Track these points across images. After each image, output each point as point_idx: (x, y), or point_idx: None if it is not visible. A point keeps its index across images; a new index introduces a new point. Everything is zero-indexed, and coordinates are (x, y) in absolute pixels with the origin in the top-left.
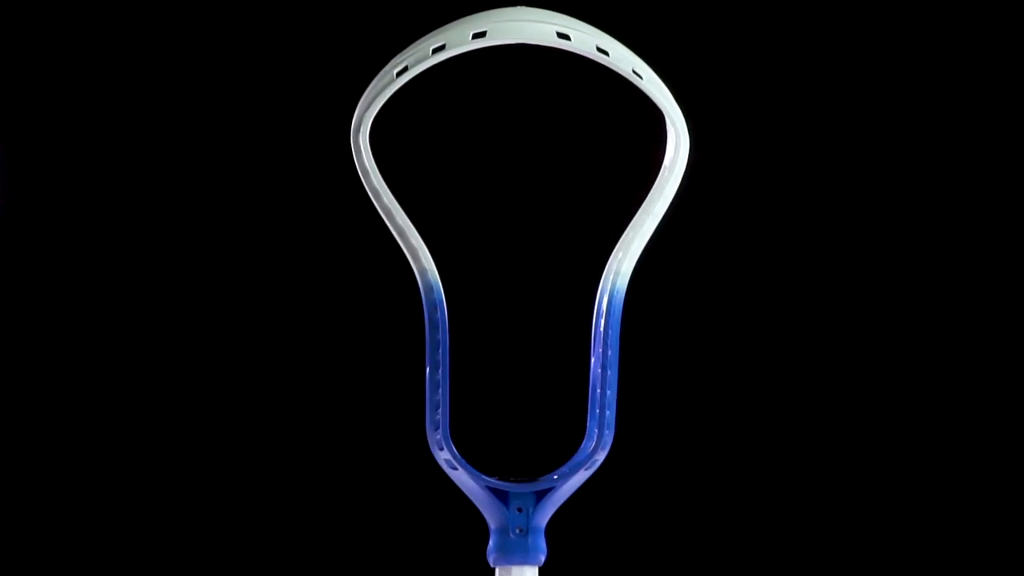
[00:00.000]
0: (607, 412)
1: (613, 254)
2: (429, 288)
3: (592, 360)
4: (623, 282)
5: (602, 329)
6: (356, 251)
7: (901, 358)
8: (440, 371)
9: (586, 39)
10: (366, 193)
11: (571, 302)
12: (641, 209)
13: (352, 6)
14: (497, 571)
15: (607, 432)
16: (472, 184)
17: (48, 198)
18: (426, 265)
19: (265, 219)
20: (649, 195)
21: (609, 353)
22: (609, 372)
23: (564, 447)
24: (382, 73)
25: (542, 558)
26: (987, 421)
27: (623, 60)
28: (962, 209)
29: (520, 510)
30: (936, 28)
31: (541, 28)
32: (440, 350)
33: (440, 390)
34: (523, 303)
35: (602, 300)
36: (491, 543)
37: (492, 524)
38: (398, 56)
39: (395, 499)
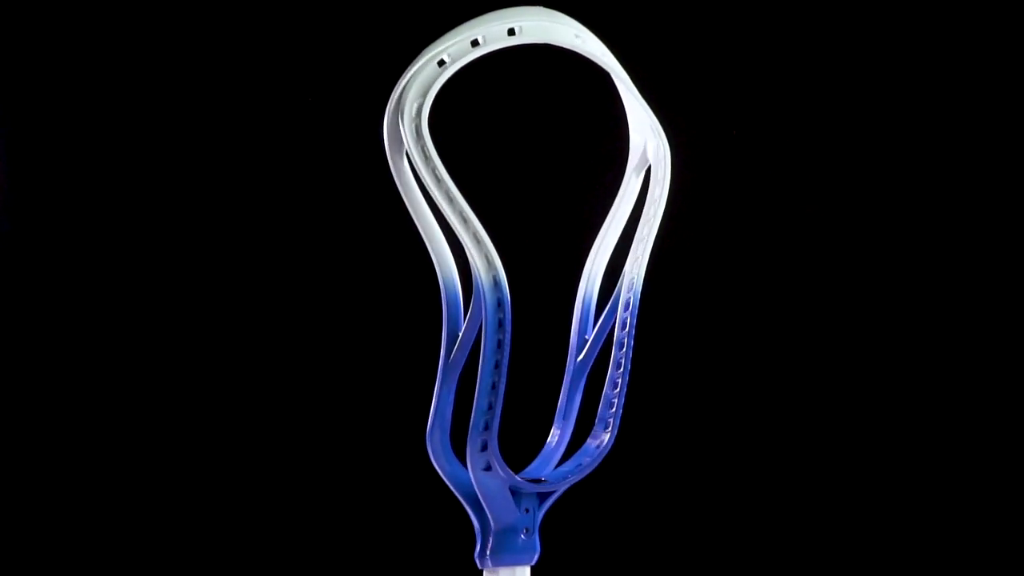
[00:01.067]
0: (619, 412)
1: (593, 254)
2: (495, 285)
3: (574, 360)
4: (640, 283)
5: (624, 331)
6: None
7: (892, 355)
8: (499, 371)
9: (594, 46)
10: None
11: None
12: (619, 210)
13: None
14: (501, 573)
15: (614, 433)
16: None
17: (66, 202)
18: (493, 259)
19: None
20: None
21: (629, 355)
22: (626, 374)
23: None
24: (423, 61)
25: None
26: (987, 424)
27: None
28: (959, 208)
29: (527, 511)
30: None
31: (564, 31)
32: (503, 349)
33: (496, 391)
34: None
35: (609, 301)
36: (492, 544)
37: (498, 525)
38: (435, 45)
39: (365, 503)
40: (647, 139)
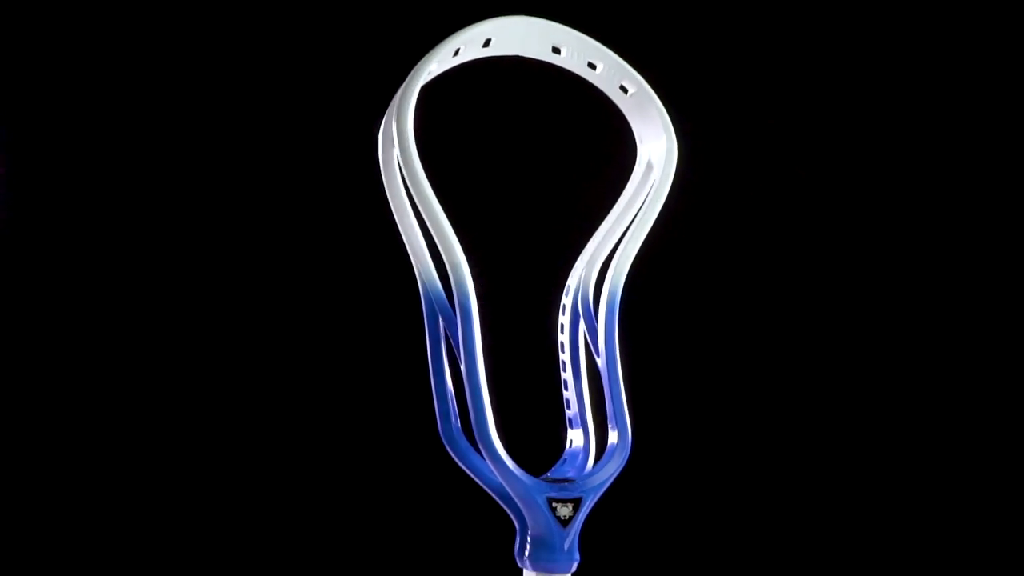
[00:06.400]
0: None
1: (585, 257)
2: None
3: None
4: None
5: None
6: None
7: (896, 357)
8: None
9: (577, 54)
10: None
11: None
12: (626, 212)
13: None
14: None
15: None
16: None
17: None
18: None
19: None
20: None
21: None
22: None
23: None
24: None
25: None
26: (990, 424)
27: (611, 77)
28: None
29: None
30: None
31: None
32: None
33: None
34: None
35: (590, 300)
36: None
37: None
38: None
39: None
40: (654, 139)
